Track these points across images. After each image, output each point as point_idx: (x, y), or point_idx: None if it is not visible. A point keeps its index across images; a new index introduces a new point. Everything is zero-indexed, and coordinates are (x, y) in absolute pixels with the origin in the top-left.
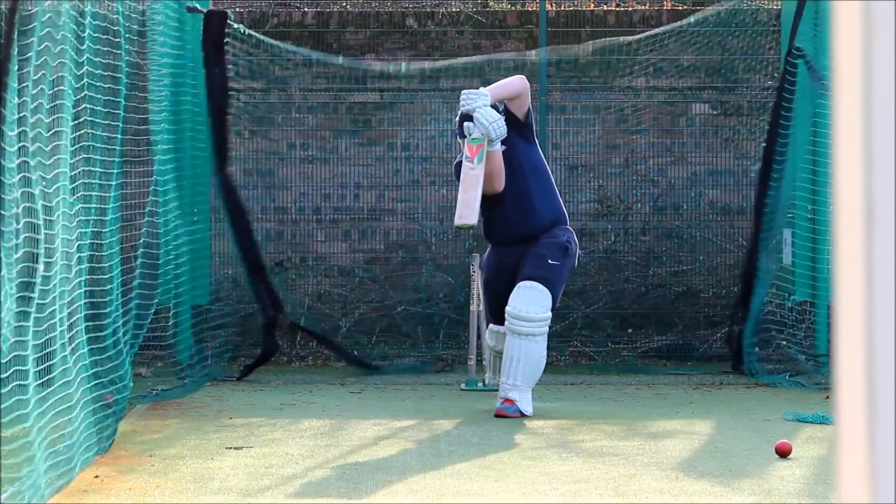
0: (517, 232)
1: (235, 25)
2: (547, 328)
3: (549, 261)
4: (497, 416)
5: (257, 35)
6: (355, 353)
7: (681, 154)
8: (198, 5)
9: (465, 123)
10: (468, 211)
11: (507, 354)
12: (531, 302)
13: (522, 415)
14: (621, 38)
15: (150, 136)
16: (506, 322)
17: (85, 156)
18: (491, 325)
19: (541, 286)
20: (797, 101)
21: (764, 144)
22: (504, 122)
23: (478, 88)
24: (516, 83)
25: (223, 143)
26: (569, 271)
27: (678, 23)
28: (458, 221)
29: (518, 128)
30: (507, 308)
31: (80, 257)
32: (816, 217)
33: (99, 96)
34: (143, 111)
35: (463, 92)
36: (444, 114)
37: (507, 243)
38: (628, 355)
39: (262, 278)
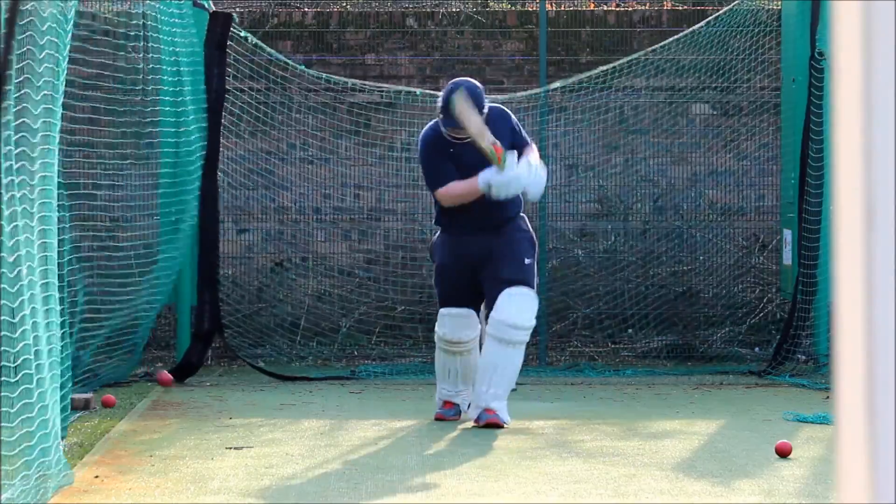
0: (483, 222)
1: (242, 34)
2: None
3: (526, 260)
4: (489, 425)
5: (261, 44)
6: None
7: (681, 154)
8: (205, 3)
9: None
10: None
11: (488, 361)
12: (524, 310)
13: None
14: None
15: (152, 136)
16: (492, 328)
17: (81, 158)
18: (443, 311)
19: (529, 291)
20: (825, 105)
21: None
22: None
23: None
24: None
25: (214, 147)
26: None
27: (695, 27)
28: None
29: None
30: (496, 315)
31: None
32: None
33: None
34: (145, 111)
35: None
36: None
37: (470, 231)
38: (628, 355)
39: (210, 290)
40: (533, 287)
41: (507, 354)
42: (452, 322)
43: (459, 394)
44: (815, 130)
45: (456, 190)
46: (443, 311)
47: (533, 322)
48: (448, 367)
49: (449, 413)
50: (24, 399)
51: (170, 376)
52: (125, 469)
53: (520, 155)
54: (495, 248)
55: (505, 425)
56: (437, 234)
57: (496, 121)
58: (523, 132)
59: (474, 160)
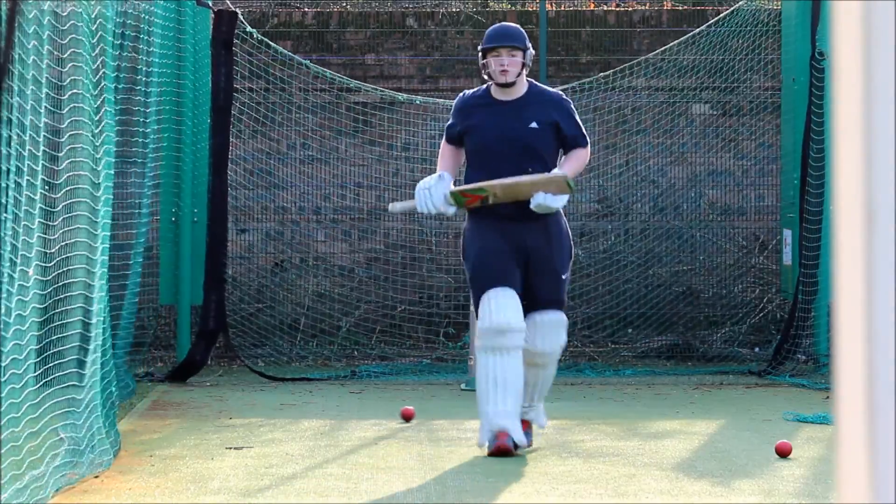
0: (524, 209)
1: (248, 29)
2: None
3: (563, 276)
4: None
5: (267, 40)
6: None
7: (681, 154)
8: (208, 1)
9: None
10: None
11: (524, 381)
12: (556, 337)
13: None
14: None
15: (151, 136)
16: (528, 356)
17: (76, 158)
18: (488, 293)
19: (560, 314)
20: (826, 105)
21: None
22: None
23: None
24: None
25: (223, 145)
26: None
27: (696, 30)
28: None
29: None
30: (529, 347)
31: (103, 260)
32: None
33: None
34: (143, 111)
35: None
36: (444, 114)
37: (509, 218)
38: (628, 355)
39: (217, 290)
40: (564, 304)
41: (543, 373)
42: (501, 303)
43: (509, 413)
44: (816, 131)
45: (442, 156)
46: (488, 293)
47: (563, 342)
48: (495, 375)
49: (509, 442)
50: (14, 396)
51: (412, 411)
52: (125, 469)
53: (568, 150)
54: (539, 246)
55: (542, 428)
56: (467, 228)
57: (544, 103)
58: (581, 128)
59: (498, 123)
